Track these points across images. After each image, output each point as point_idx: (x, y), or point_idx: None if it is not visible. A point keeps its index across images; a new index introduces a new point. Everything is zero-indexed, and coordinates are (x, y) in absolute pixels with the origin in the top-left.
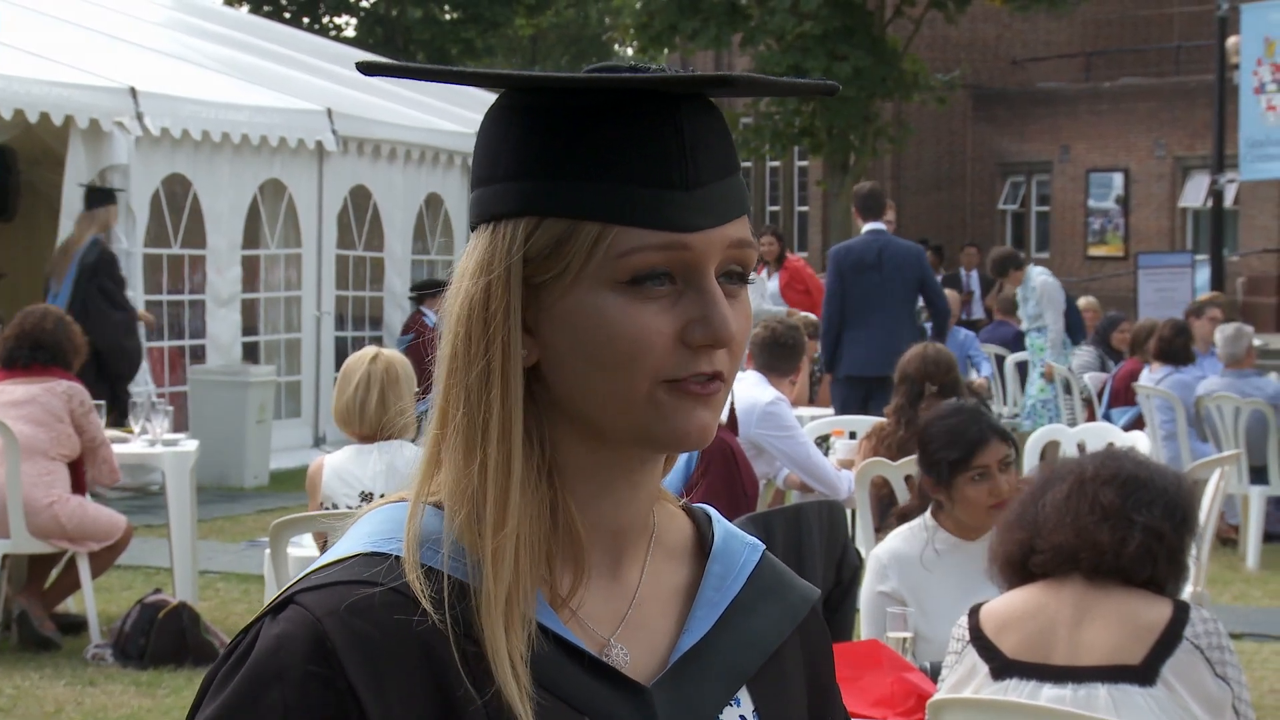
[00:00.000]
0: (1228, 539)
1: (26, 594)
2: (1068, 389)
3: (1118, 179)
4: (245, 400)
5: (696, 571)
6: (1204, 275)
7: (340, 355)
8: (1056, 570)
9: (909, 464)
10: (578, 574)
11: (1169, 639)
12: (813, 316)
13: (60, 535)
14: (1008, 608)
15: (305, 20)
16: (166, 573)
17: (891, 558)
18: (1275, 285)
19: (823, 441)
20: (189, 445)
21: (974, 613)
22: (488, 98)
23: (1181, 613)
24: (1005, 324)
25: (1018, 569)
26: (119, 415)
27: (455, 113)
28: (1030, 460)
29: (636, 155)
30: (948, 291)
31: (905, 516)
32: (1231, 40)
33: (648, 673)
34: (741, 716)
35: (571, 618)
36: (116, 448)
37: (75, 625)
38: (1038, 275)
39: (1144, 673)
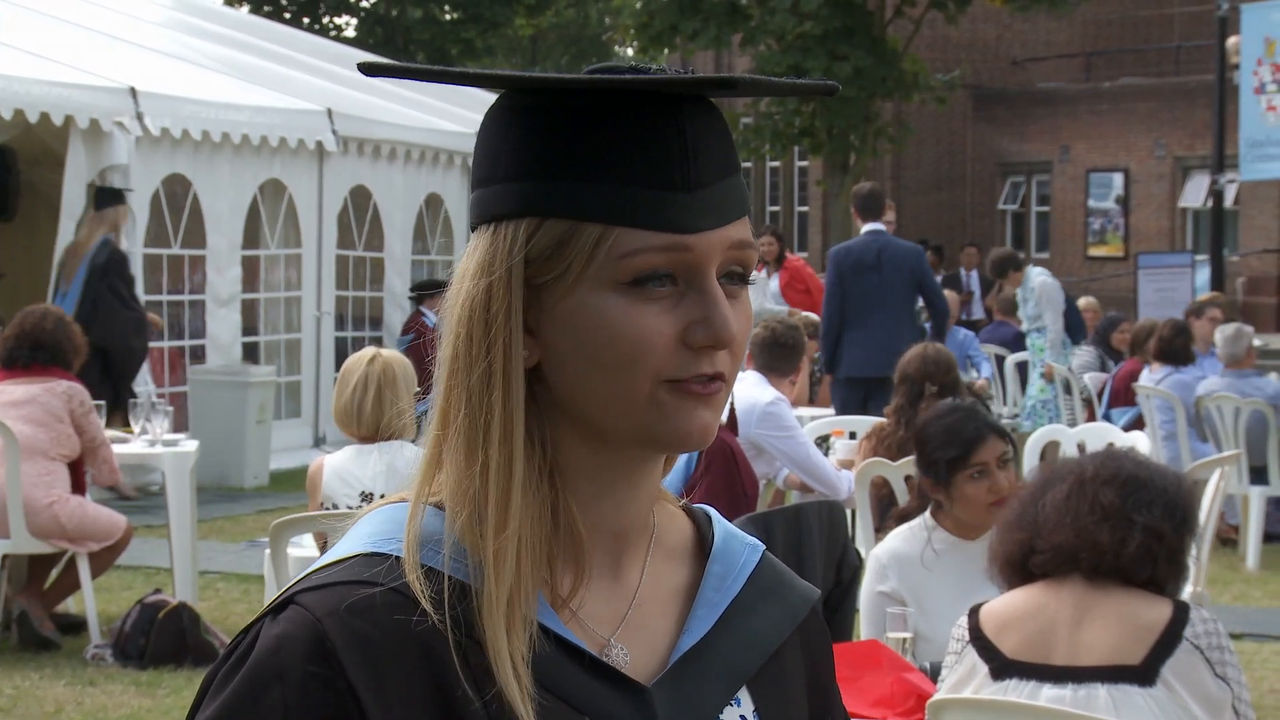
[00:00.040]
0: (1228, 539)
1: (26, 594)
2: (1068, 389)
3: (1118, 179)
4: (245, 400)
5: (697, 572)
6: (1204, 275)
7: (340, 355)
8: (1056, 570)
9: (909, 464)
10: (578, 574)
11: (1169, 639)
12: (814, 316)
13: (60, 535)
14: (1008, 608)
15: (305, 20)
16: (166, 573)
17: (891, 558)
18: (1275, 285)
19: (823, 442)
20: (189, 445)
21: (974, 613)
22: (488, 98)
23: (1181, 613)
24: (1005, 324)
25: (1017, 569)
26: (122, 416)
27: (455, 113)
28: (1030, 461)
29: (638, 156)
30: (947, 292)
31: (905, 518)
32: (1231, 40)
33: (648, 673)
34: (742, 716)
35: (572, 618)
36: (116, 448)
37: (75, 625)
38: (1036, 276)
39: (1144, 673)
